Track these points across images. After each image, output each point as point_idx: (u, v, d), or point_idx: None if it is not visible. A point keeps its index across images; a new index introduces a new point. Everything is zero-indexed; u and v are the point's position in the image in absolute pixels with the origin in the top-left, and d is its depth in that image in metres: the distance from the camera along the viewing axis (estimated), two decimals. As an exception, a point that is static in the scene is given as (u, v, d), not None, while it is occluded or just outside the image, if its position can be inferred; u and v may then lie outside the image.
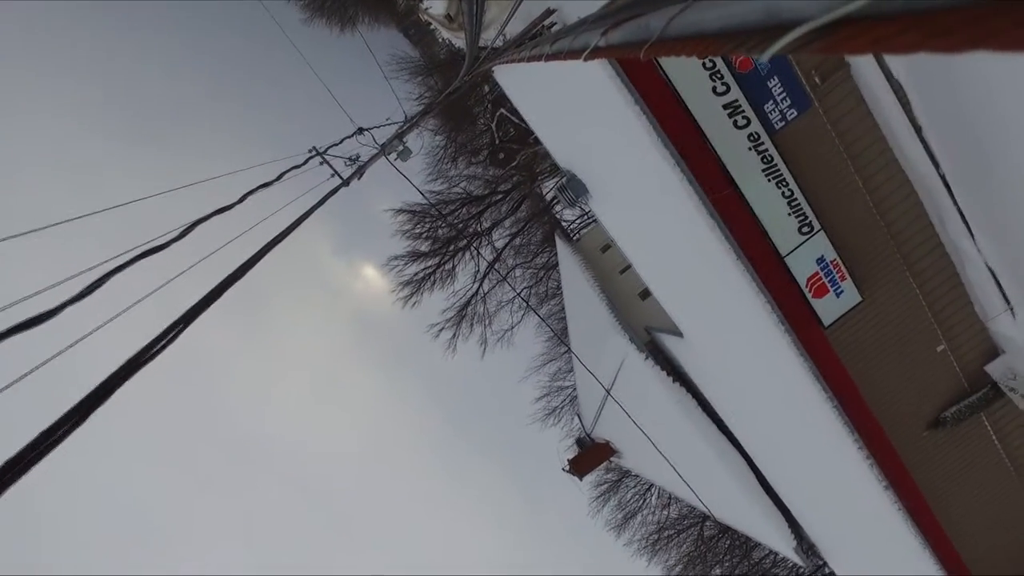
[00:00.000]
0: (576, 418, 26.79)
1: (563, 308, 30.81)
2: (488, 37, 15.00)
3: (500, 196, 37.62)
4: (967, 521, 11.63)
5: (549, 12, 10.31)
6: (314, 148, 11.23)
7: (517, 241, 38.81)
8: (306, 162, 9.57)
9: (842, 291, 9.94)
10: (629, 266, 20.06)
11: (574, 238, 30.22)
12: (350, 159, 12.15)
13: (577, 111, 12.99)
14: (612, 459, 22.13)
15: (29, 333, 2.82)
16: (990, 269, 9.67)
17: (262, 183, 6.84)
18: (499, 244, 38.42)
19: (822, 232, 9.62)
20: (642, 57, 1.06)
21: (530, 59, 4.57)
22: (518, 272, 39.72)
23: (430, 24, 43.31)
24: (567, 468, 21.86)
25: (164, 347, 2.65)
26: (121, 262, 3.64)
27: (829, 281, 9.87)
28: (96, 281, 3.30)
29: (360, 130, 12.84)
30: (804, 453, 13.16)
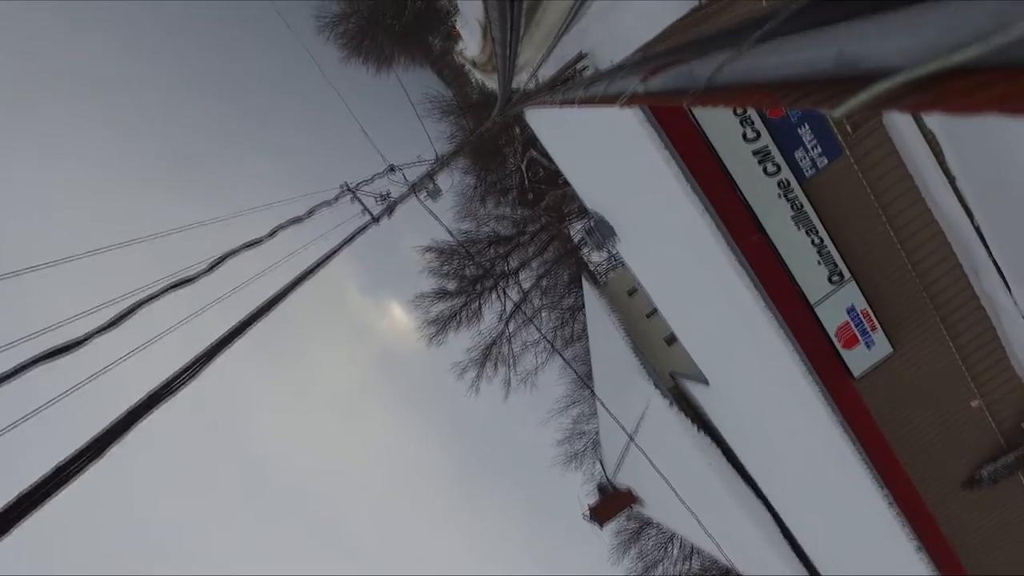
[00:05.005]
0: (598, 463, 26.42)
1: (588, 351, 30.61)
2: (521, 79, 15.19)
3: (528, 237, 37.76)
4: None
5: (582, 56, 10.42)
6: (345, 184, 11.33)
7: (544, 282, 38.79)
8: (337, 198, 9.67)
9: (873, 342, 9.75)
10: (655, 310, 19.94)
11: (601, 281, 30.16)
12: (381, 196, 12.25)
13: (606, 154, 13.04)
14: (633, 507, 21.74)
15: (57, 362, 2.82)
16: (1028, 324, 9.43)
17: (293, 218, 6.91)
18: (526, 285, 38.44)
19: (852, 281, 9.48)
20: (686, 106, 0.99)
21: (563, 103, 4.58)
22: (544, 313, 39.59)
23: (464, 65, 44.11)
24: (588, 515, 21.51)
25: (186, 382, 2.64)
26: (150, 293, 3.66)
27: (859, 331, 9.69)
28: (124, 312, 3.32)
29: (391, 168, 12.98)
30: (831, 508, 12.81)
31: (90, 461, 1.94)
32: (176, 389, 2.57)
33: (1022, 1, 0.41)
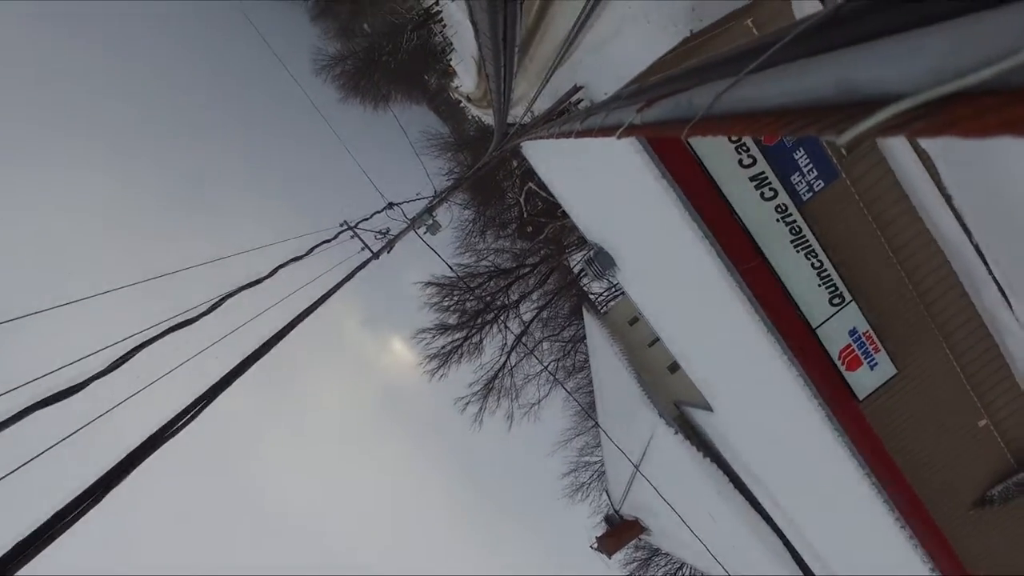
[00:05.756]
0: (604, 494, 26.17)
1: (591, 382, 30.45)
2: (516, 113, 15.31)
3: (528, 269, 37.80)
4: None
5: (577, 88, 10.51)
6: (345, 222, 11.35)
7: (545, 314, 38.74)
8: (337, 236, 9.69)
9: (876, 363, 9.71)
10: (657, 339, 19.88)
11: (602, 311, 30.12)
12: (380, 233, 12.25)
13: (604, 185, 13.10)
14: (641, 537, 21.50)
15: (57, 406, 2.80)
16: (1031, 341, 9.39)
17: (293, 257, 6.92)
18: (527, 317, 38.36)
19: (853, 303, 9.46)
20: (684, 137, 0.97)
21: (559, 136, 4.61)
22: (545, 345, 39.49)
23: (460, 101, 44.56)
24: (596, 546, 21.27)
25: (187, 423, 2.62)
26: (150, 336, 3.65)
27: (862, 353, 9.66)
28: (124, 355, 3.31)
29: (390, 205, 13.00)
30: (843, 532, 12.66)
31: (91, 505, 1.91)
32: (178, 430, 2.56)
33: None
